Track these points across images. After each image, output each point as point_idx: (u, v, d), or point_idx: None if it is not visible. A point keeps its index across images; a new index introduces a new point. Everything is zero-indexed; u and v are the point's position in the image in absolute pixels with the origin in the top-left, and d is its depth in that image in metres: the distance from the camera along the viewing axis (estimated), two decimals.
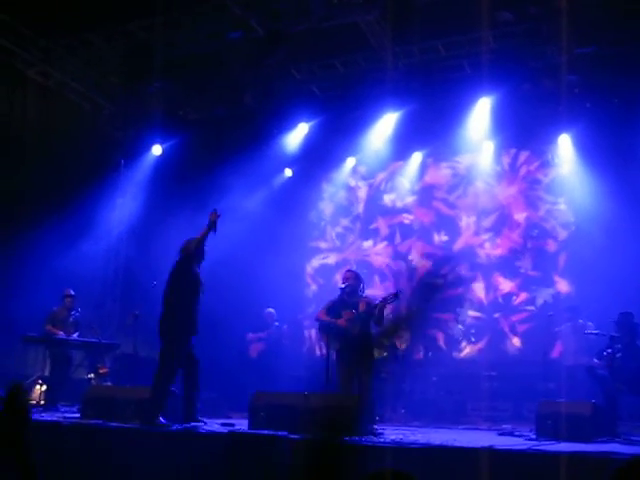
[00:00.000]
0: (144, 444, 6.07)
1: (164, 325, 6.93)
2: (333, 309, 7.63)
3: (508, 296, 12.09)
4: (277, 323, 11.49)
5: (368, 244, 13.77)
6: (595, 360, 8.14)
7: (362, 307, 7.46)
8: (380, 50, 10.85)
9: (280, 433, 5.27)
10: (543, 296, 11.70)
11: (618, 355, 7.56)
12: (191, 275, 7.15)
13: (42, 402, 9.44)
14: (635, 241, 10.07)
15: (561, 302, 11.01)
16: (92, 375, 10.36)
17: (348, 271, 8.10)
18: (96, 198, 12.31)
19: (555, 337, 10.28)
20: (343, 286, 7.64)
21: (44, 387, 9.90)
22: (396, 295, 7.31)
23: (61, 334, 9.68)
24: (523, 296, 12.01)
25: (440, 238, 13.13)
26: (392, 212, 13.67)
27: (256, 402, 6.91)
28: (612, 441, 6.42)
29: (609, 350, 7.78)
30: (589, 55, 10.05)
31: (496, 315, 12.25)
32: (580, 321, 9.81)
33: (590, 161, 11.55)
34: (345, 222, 14.13)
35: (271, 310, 11.58)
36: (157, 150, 12.58)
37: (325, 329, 7.60)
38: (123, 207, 13.42)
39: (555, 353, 10.10)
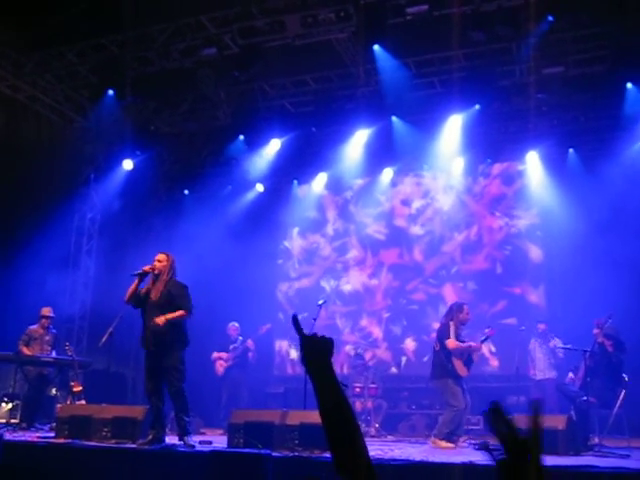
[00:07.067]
0: (122, 464, 6.01)
1: None
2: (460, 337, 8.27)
3: (482, 312, 12.21)
4: (241, 338, 11.40)
5: (341, 259, 13.84)
6: (570, 375, 8.32)
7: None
8: (352, 67, 10.96)
9: (263, 452, 5.26)
10: (518, 310, 11.88)
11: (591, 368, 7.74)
12: None
13: (11, 420, 9.32)
14: (603, 256, 10.30)
15: (534, 317, 11.18)
16: (57, 392, 10.23)
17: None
18: (66, 213, 12.19)
19: (525, 354, 10.45)
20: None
21: (9, 405, 9.75)
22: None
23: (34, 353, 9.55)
24: (500, 307, 12.16)
25: (412, 255, 13.26)
26: (363, 228, 13.76)
27: (234, 420, 6.90)
28: (587, 454, 6.54)
29: (581, 365, 7.97)
30: (557, 75, 10.29)
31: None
32: (552, 340, 9.99)
33: (558, 177, 11.82)
34: (316, 237, 14.19)
35: (235, 324, 11.51)
36: (128, 165, 12.50)
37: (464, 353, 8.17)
38: (93, 222, 13.31)
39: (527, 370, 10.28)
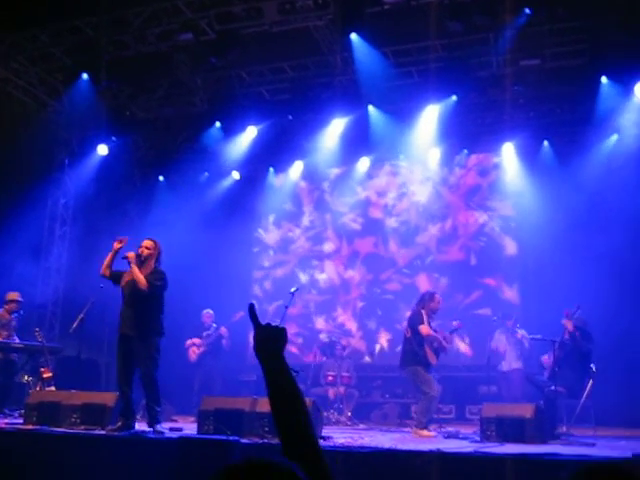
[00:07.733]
0: (91, 450, 5.97)
1: None
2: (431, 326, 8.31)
3: (456, 303, 12.27)
4: (215, 325, 11.36)
5: (316, 249, 13.83)
6: (545, 357, 8.42)
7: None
8: (329, 55, 10.93)
9: (232, 438, 5.27)
10: (492, 301, 11.96)
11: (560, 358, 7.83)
12: None
13: None
14: (577, 248, 10.39)
15: (508, 308, 11.26)
16: (29, 378, 10.11)
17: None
18: (39, 198, 12.05)
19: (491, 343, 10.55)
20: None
21: None
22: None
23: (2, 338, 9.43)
24: (474, 297, 12.23)
25: (387, 246, 13.27)
26: (339, 217, 13.75)
27: (205, 407, 6.90)
28: (553, 443, 6.63)
29: (550, 354, 8.05)
30: (533, 67, 10.35)
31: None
32: (518, 331, 10.10)
33: (533, 169, 11.89)
34: (291, 226, 14.16)
35: (209, 311, 11.47)
36: (102, 150, 12.38)
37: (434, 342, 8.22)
38: (66, 207, 13.17)
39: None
